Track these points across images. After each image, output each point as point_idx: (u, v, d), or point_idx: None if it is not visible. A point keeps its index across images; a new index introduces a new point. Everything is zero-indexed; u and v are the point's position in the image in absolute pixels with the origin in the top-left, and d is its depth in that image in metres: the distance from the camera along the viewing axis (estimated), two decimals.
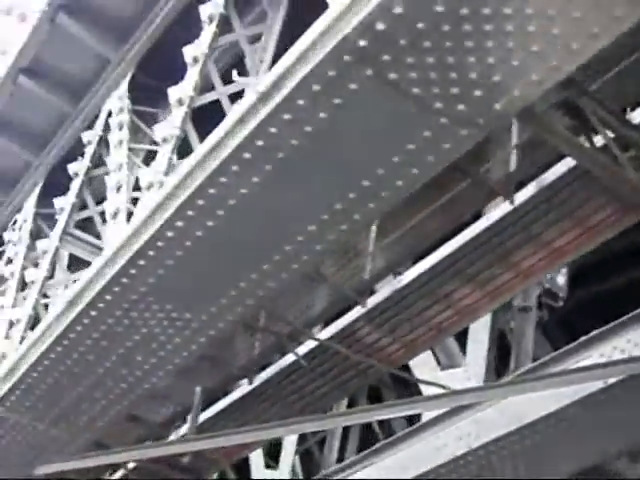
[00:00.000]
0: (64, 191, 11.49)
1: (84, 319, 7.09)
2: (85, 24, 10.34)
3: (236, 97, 7.98)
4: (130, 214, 7.96)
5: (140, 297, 6.60)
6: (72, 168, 10.33)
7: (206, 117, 7.73)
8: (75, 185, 10.16)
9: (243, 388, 8.56)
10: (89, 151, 10.31)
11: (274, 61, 7.86)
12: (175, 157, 7.25)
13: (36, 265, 10.27)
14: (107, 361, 7.46)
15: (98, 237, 10.15)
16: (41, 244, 9.89)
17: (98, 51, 10.56)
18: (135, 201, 8.00)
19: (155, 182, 7.04)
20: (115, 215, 7.79)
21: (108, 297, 6.69)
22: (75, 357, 7.40)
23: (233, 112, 5.57)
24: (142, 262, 6.27)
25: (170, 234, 5.99)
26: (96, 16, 10.26)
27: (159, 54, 9.95)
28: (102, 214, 10.19)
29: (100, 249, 9.87)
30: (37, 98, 11.58)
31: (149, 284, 6.41)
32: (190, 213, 5.83)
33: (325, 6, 4.99)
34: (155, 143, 7.86)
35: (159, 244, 6.09)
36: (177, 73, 8.14)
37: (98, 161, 10.33)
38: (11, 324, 9.36)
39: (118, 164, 8.72)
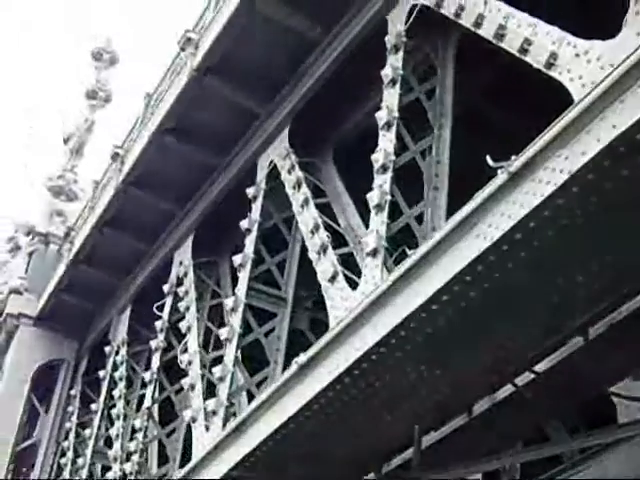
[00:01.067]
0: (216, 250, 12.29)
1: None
2: None
3: None
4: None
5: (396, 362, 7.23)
6: (243, 225, 10.87)
7: None
8: (250, 240, 10.71)
9: (461, 418, 9.18)
10: (257, 205, 10.86)
11: None
12: None
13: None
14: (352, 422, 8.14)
15: (279, 288, 10.73)
16: (228, 301, 10.48)
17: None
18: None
19: None
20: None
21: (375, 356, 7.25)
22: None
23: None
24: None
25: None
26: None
27: None
28: (279, 265, 10.83)
29: (282, 299, 10.56)
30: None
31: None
32: None
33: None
34: None
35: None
36: None
37: (267, 216, 10.93)
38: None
39: (312, 223, 9.21)
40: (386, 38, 8.84)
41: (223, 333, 10.12)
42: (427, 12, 8.57)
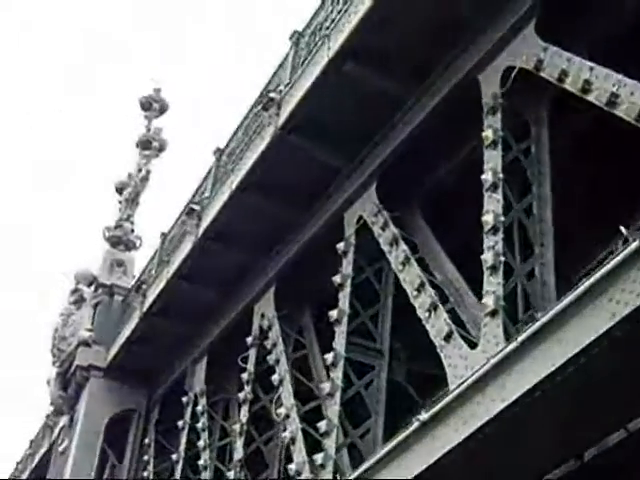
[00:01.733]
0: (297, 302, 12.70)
1: None
2: None
3: None
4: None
5: None
6: (335, 280, 11.24)
7: None
8: (344, 295, 11.08)
9: (571, 464, 9.45)
10: (348, 260, 11.24)
11: None
12: None
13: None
14: None
15: (374, 340, 11.05)
16: (328, 356, 10.84)
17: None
18: None
19: None
20: None
21: None
22: None
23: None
24: None
25: None
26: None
27: None
28: (373, 318, 11.17)
29: (379, 351, 10.90)
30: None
31: None
32: None
33: None
34: None
35: None
36: None
37: (359, 271, 11.29)
38: None
39: (418, 281, 9.57)
40: (483, 101, 9.24)
41: (325, 388, 10.47)
42: (522, 74, 8.97)
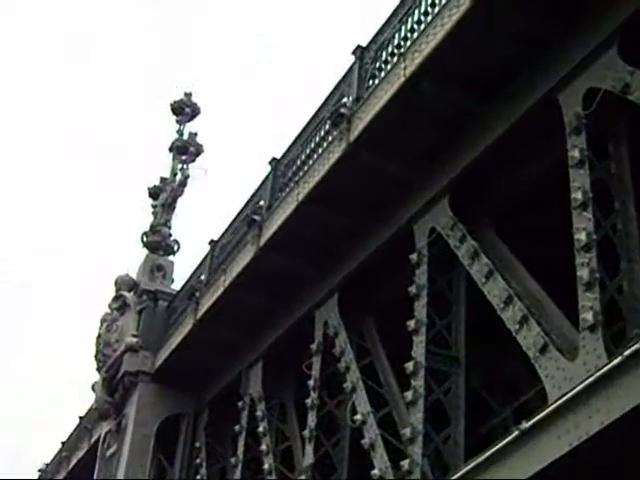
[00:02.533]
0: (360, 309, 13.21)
1: None
2: None
3: None
4: None
5: None
6: (411, 290, 11.76)
7: None
8: (421, 305, 11.59)
9: None
10: (422, 271, 11.76)
11: None
12: None
13: None
14: None
15: (450, 349, 11.56)
16: (408, 365, 11.35)
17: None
18: None
19: None
20: None
21: None
22: None
23: None
24: None
25: None
26: None
27: None
28: (447, 327, 11.67)
29: (455, 359, 11.41)
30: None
31: None
32: None
33: None
34: None
35: None
36: None
37: (433, 282, 11.80)
38: None
39: (505, 295, 10.10)
40: (565, 120, 9.75)
41: (408, 396, 10.99)
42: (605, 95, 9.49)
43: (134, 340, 18.15)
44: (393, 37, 12.13)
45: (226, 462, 16.91)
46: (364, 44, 12.84)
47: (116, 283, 19.77)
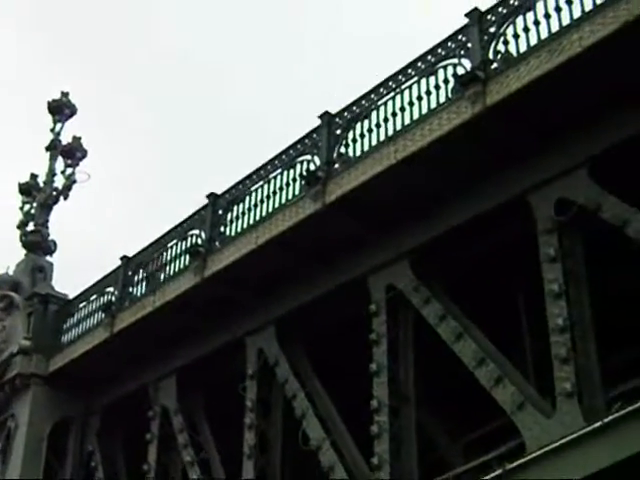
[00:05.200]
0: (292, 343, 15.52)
1: None
2: None
3: None
4: None
5: None
6: (372, 337, 14.26)
7: None
8: (382, 351, 14.12)
9: None
10: (380, 320, 14.27)
11: None
12: None
13: None
14: None
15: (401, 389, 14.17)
16: (373, 402, 13.89)
17: None
18: None
19: None
20: None
21: None
22: None
23: None
24: None
25: None
26: None
27: None
28: (400, 370, 14.31)
29: (406, 398, 14.10)
30: None
31: None
32: None
33: None
34: None
35: None
36: None
37: (390, 330, 14.36)
38: None
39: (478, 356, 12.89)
40: (538, 220, 12.63)
41: (373, 429, 13.55)
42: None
43: (27, 343, 19.24)
44: (367, 110, 14.45)
45: (118, 469, 18.57)
46: (332, 111, 15.03)
47: None
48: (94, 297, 19.27)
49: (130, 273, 18.38)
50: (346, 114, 14.89)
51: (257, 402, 15.87)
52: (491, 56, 12.96)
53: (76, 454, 19.11)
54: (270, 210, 15.48)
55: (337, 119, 14.98)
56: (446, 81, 13.48)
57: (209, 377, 17.28)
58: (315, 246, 14.90)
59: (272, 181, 15.76)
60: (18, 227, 22.27)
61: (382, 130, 14.16)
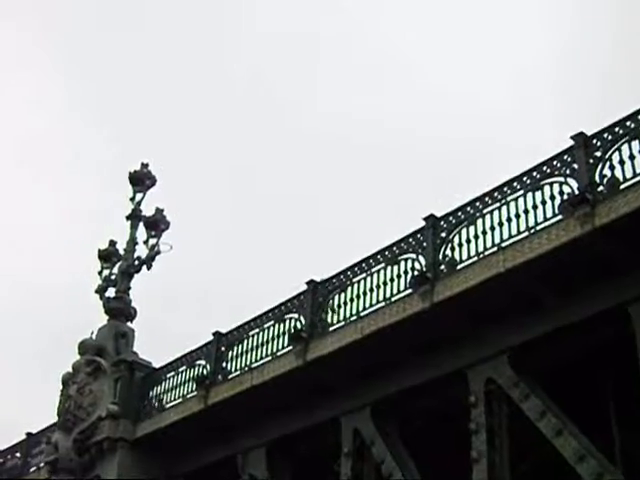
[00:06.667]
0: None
1: None
2: None
3: None
4: None
5: None
6: (471, 427, 16.18)
7: None
8: (480, 440, 16.04)
9: None
10: (478, 411, 16.20)
11: None
12: None
13: None
14: None
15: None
16: None
17: None
18: None
19: None
20: None
21: None
22: None
23: None
24: None
25: None
26: None
27: None
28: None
29: None
30: None
31: None
32: None
33: None
34: None
35: None
36: None
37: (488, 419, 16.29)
38: None
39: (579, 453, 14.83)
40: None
41: None
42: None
43: (116, 408, 21.08)
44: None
45: None
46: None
47: (81, 346, 22.48)
48: (183, 368, 21.07)
49: (223, 349, 20.20)
50: (451, 218, 16.83)
51: (352, 479, 17.63)
52: (597, 179, 14.91)
53: None
54: (374, 302, 17.35)
55: (442, 222, 16.91)
56: (552, 197, 15.42)
57: (299, 451, 19.07)
58: (418, 339, 16.73)
59: (375, 275, 17.65)
60: (97, 291, 24.13)
61: (488, 237, 16.08)
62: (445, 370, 16.83)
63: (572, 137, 15.45)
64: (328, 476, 18.12)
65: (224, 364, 20.06)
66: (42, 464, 23.52)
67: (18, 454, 25.64)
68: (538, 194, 15.69)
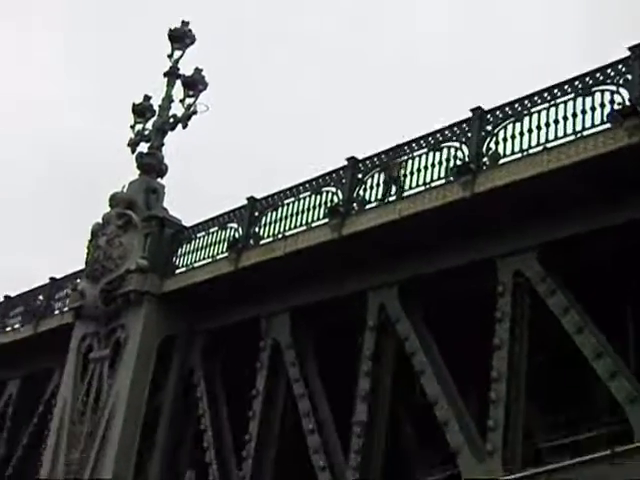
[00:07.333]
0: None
1: None
2: None
3: None
4: None
5: None
6: (496, 315, 17.37)
7: None
8: (504, 329, 17.26)
9: None
10: (505, 300, 17.39)
11: None
12: None
13: None
14: None
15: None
16: (492, 373, 17.08)
17: None
18: None
19: None
20: None
21: None
22: None
23: None
24: None
25: None
26: None
27: None
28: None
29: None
30: None
31: None
32: None
33: None
34: None
35: None
36: None
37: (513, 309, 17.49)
38: None
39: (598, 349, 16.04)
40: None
41: (492, 396, 16.72)
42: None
43: (144, 262, 22.22)
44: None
45: (216, 388, 21.73)
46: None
47: (112, 199, 23.48)
48: (214, 229, 22.13)
49: (257, 214, 21.22)
50: (498, 113, 17.63)
51: (374, 352, 18.90)
52: None
53: (179, 370, 22.20)
54: (414, 186, 18.30)
55: (488, 115, 17.73)
56: (602, 105, 16.20)
57: (323, 321, 20.29)
58: (454, 227, 17.71)
59: (417, 159, 18.55)
60: (129, 145, 24.98)
61: (534, 136, 16.92)
62: (476, 258, 17.85)
63: (629, 48, 16.02)
64: (350, 348, 19.30)
65: (256, 229, 21.05)
66: (66, 309, 24.77)
67: (41, 297, 26.88)
68: (588, 100, 16.39)
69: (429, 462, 18.90)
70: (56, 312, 25.73)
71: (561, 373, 17.50)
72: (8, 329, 28.05)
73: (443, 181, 17.90)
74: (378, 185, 19.08)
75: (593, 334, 16.04)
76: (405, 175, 18.60)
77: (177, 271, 22.50)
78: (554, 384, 17.83)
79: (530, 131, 17.04)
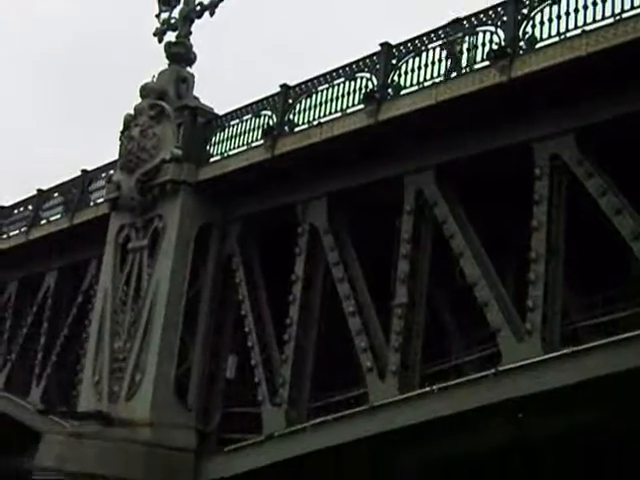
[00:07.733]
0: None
1: None
2: None
3: None
4: None
5: None
6: (535, 197, 17.89)
7: None
8: (540, 210, 17.80)
9: None
10: (543, 183, 17.88)
11: None
12: None
13: None
14: None
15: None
16: (531, 254, 17.69)
17: None
18: None
19: None
20: None
21: None
22: None
23: None
24: None
25: None
26: None
27: None
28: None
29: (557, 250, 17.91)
30: None
31: None
32: None
33: None
34: None
35: None
36: None
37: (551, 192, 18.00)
38: None
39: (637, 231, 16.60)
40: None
41: (531, 276, 17.33)
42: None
43: (179, 152, 22.70)
44: None
45: (255, 274, 22.45)
46: None
47: (143, 89, 23.81)
48: (248, 117, 22.52)
49: (290, 101, 21.58)
50: None
51: (412, 236, 19.49)
52: None
53: (216, 257, 22.90)
54: (449, 69, 18.60)
55: None
56: None
57: (360, 206, 20.83)
58: (490, 111, 18.05)
59: (452, 44, 18.78)
60: (155, 34, 25.18)
61: (571, 19, 17.10)
62: (512, 142, 18.25)
63: None
64: (387, 233, 19.88)
65: (291, 116, 21.43)
66: (100, 200, 25.39)
67: (74, 189, 27.49)
68: None
69: (467, 343, 19.63)
70: (91, 204, 26.30)
71: (598, 254, 18.04)
72: (43, 222, 28.70)
73: (480, 66, 18.08)
74: (413, 71, 19.27)
75: (631, 216, 16.50)
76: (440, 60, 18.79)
77: (211, 160, 22.89)
78: (591, 265, 18.42)
79: (568, 14, 17.13)
